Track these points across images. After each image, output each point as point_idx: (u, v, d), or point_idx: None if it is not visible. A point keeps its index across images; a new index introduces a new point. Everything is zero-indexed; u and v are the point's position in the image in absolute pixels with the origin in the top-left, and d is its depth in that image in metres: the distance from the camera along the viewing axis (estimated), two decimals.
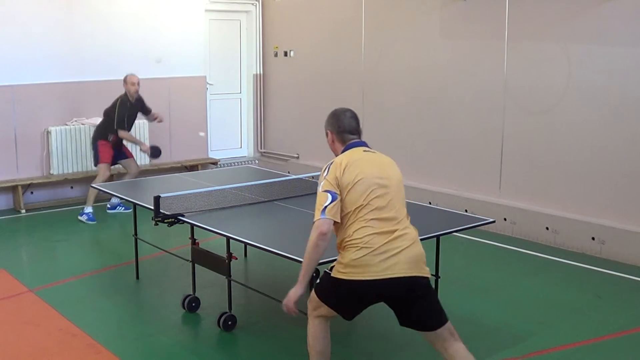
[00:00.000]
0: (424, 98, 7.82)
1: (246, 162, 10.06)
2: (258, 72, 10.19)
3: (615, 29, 6.12)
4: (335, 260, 3.36)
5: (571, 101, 6.48)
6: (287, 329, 4.65)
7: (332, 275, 3.31)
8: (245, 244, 4.54)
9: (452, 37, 7.51)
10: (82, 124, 8.40)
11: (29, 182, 8.07)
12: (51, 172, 8.26)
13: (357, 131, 3.57)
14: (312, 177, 5.94)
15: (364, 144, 3.52)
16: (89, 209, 7.50)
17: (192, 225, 4.59)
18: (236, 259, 4.60)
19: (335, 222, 3.23)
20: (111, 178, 8.25)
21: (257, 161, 10.22)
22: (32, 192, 8.21)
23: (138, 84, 7.60)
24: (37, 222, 7.71)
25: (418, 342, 4.51)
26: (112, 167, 7.78)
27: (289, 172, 8.24)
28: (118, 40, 8.57)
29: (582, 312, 5.01)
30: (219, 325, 4.61)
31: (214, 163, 9.62)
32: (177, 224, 4.63)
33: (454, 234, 4.97)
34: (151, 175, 7.66)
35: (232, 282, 4.58)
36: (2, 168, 7.95)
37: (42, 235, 7.17)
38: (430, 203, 7.21)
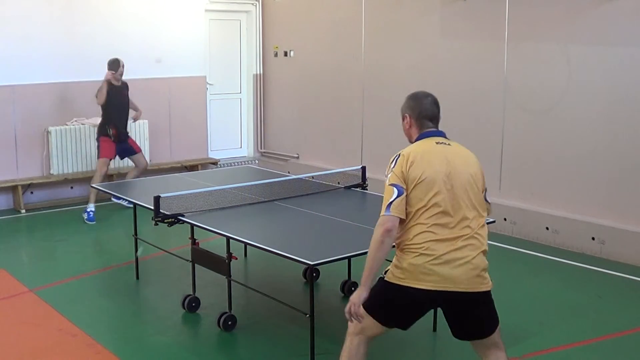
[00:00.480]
0: None
1: (246, 162, 10.05)
2: (258, 72, 10.19)
3: (615, 29, 6.12)
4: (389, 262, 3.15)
5: (571, 101, 6.48)
6: (287, 329, 4.65)
7: (386, 279, 3.09)
8: (245, 244, 4.53)
9: (452, 37, 7.51)
10: (82, 124, 8.40)
11: (29, 182, 8.07)
12: (51, 172, 8.26)
13: (436, 119, 3.31)
14: (312, 177, 5.94)
15: (439, 134, 3.26)
16: (91, 207, 7.51)
17: (192, 225, 4.59)
18: (236, 259, 4.60)
19: (399, 222, 3.02)
20: (111, 178, 8.27)
21: (257, 161, 10.22)
22: (32, 192, 8.21)
23: (122, 66, 7.53)
24: (37, 222, 7.71)
25: (418, 342, 4.51)
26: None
27: (289, 172, 8.24)
28: (118, 40, 8.57)
29: (582, 312, 5.01)
30: (219, 325, 4.60)
31: (214, 163, 9.62)
32: (177, 224, 4.63)
33: None
34: (151, 175, 7.65)
35: (232, 282, 4.58)
36: (2, 168, 7.95)
37: (42, 235, 7.17)
38: None
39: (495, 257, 6.36)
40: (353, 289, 5.24)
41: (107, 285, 5.62)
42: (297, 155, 9.70)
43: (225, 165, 9.68)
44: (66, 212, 8.06)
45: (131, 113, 7.88)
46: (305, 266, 4.97)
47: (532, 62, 6.76)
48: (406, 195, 3.03)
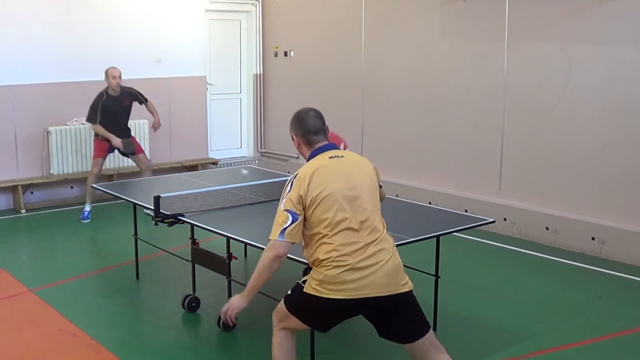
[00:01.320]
0: (424, 98, 7.82)
1: (246, 162, 10.05)
2: (258, 72, 10.19)
3: (615, 29, 6.11)
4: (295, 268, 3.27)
5: (571, 101, 6.48)
6: None
7: (304, 290, 3.11)
8: (245, 244, 4.53)
9: (452, 37, 7.51)
10: (82, 124, 8.39)
11: (29, 182, 8.07)
12: (51, 172, 8.26)
13: (322, 131, 3.32)
14: None
15: (330, 148, 3.28)
16: (87, 207, 7.51)
17: (192, 225, 4.59)
18: (236, 259, 4.61)
19: (290, 246, 3.09)
20: (112, 178, 8.28)
21: (257, 161, 10.22)
22: (32, 192, 8.21)
23: (119, 77, 7.43)
24: (37, 222, 7.71)
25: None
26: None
27: (289, 172, 8.23)
28: (118, 40, 8.57)
29: (582, 312, 5.01)
30: (219, 326, 4.60)
31: (214, 163, 9.62)
32: (177, 224, 4.63)
33: (454, 234, 4.97)
34: (151, 175, 7.65)
35: (232, 282, 4.58)
36: (2, 168, 7.95)
37: (42, 235, 7.17)
38: (430, 203, 7.21)
39: (495, 257, 6.39)
40: None
41: (107, 285, 5.62)
42: (297, 155, 9.69)
43: (225, 165, 9.68)
44: (66, 212, 8.06)
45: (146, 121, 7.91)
46: (305, 266, 4.96)
47: (532, 62, 6.76)
48: (305, 218, 3.08)
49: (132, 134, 7.93)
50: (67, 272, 5.86)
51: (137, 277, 5.67)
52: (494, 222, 4.77)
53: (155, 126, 7.88)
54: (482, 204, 7.10)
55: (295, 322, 3.22)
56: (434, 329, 4.59)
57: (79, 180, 8.39)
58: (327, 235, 3.05)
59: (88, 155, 8.41)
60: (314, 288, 3.08)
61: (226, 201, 4.99)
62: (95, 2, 8.45)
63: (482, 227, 5.07)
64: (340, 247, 3.02)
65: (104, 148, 7.56)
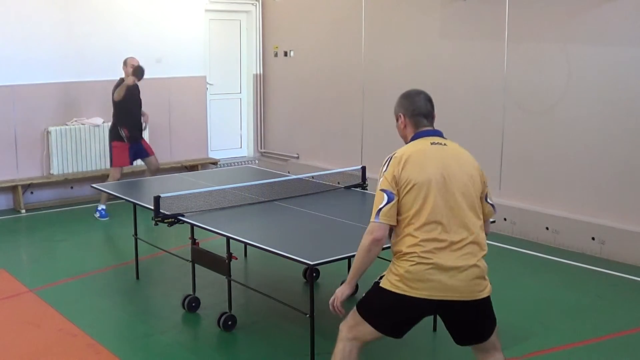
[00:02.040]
0: None
1: (246, 162, 10.05)
2: (258, 72, 10.19)
3: (615, 29, 6.12)
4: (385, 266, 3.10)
5: (571, 101, 6.48)
6: (287, 329, 4.65)
7: (381, 285, 2.98)
8: (245, 244, 4.53)
9: (452, 37, 7.51)
10: (82, 124, 8.40)
11: (29, 182, 8.07)
12: (51, 172, 8.26)
13: (431, 116, 3.15)
14: (312, 177, 5.94)
15: (435, 134, 3.12)
16: (102, 206, 7.53)
17: (192, 225, 4.59)
18: (236, 259, 4.60)
19: (389, 230, 2.95)
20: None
21: (257, 161, 10.22)
22: (32, 192, 8.21)
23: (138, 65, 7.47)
24: (37, 222, 7.71)
25: (418, 342, 4.51)
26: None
27: (289, 172, 8.24)
28: (118, 40, 8.57)
29: (582, 312, 5.01)
30: (219, 325, 4.60)
31: (214, 163, 9.62)
32: (177, 224, 4.63)
33: None
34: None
35: (232, 282, 4.58)
36: (2, 168, 7.95)
37: (42, 235, 7.17)
38: None
39: (495, 257, 6.37)
40: None
41: (107, 285, 5.61)
42: (297, 155, 9.70)
43: (225, 165, 9.68)
44: (66, 212, 8.06)
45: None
46: (305, 266, 4.97)
47: (532, 62, 6.76)
48: (398, 201, 2.93)
49: (142, 120, 7.86)
50: (67, 272, 5.86)
51: (137, 277, 5.67)
52: (494, 222, 4.75)
53: (145, 120, 7.85)
54: None
55: (366, 330, 3.04)
56: (434, 329, 4.60)
57: (79, 180, 8.40)
58: (413, 224, 2.91)
59: (88, 155, 8.42)
60: (393, 284, 2.94)
61: (226, 201, 4.99)
62: (95, 2, 8.45)
63: None
64: (424, 242, 2.88)
65: (125, 155, 7.47)
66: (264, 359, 4.29)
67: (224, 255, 4.50)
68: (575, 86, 6.44)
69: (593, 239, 6.29)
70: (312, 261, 3.66)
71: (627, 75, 6.07)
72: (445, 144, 3.10)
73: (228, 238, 4.30)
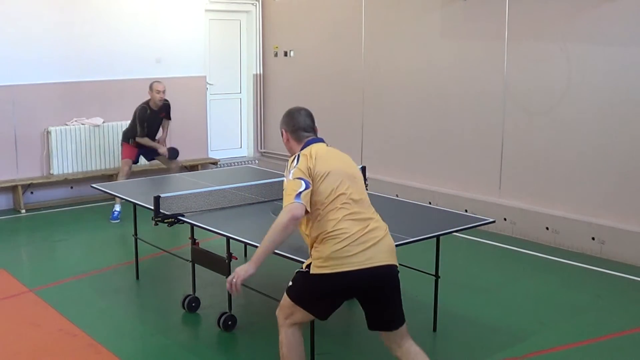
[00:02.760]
0: (424, 98, 7.82)
1: (246, 162, 10.05)
2: (258, 72, 10.19)
3: (615, 29, 6.12)
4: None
5: (571, 101, 6.48)
6: None
7: (311, 272, 3.24)
8: (245, 244, 4.53)
9: (452, 37, 7.51)
10: (82, 124, 8.41)
11: (29, 182, 8.07)
12: (51, 172, 8.26)
13: (312, 129, 3.53)
14: None
15: (320, 140, 3.49)
16: (117, 207, 7.56)
17: (192, 225, 4.59)
18: (236, 259, 4.60)
19: (305, 213, 3.17)
20: (111, 178, 8.27)
21: (257, 161, 10.22)
22: (32, 192, 8.22)
23: (163, 92, 7.55)
24: (37, 222, 7.71)
25: (418, 342, 4.51)
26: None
27: None
28: (118, 40, 8.57)
29: (582, 312, 5.01)
30: (219, 325, 4.61)
31: (214, 163, 9.62)
32: (177, 224, 4.63)
33: (454, 234, 4.97)
34: (151, 175, 7.65)
35: None
36: (2, 168, 7.95)
37: (42, 235, 7.17)
38: (430, 203, 7.21)
39: (496, 257, 6.39)
40: None
41: (107, 285, 5.61)
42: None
43: (225, 165, 9.68)
44: (66, 212, 8.06)
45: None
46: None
47: (532, 62, 6.76)
48: (312, 190, 3.21)
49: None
50: (67, 272, 5.87)
51: (137, 277, 5.67)
52: (494, 222, 4.77)
53: (160, 142, 7.85)
54: (482, 204, 7.10)
55: (301, 314, 3.32)
56: (434, 329, 4.60)
57: (79, 180, 8.40)
58: (332, 207, 3.21)
59: (88, 155, 8.43)
60: (319, 267, 3.20)
61: (226, 201, 4.99)
62: (95, 2, 8.45)
63: (482, 227, 5.07)
64: (344, 221, 3.19)
65: (133, 152, 7.65)
66: (264, 359, 4.29)
67: (224, 255, 4.50)
68: (576, 86, 6.44)
69: (593, 239, 6.29)
70: None
71: (627, 75, 6.07)
72: (334, 148, 3.49)
73: (228, 238, 4.30)
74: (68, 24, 8.25)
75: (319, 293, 3.26)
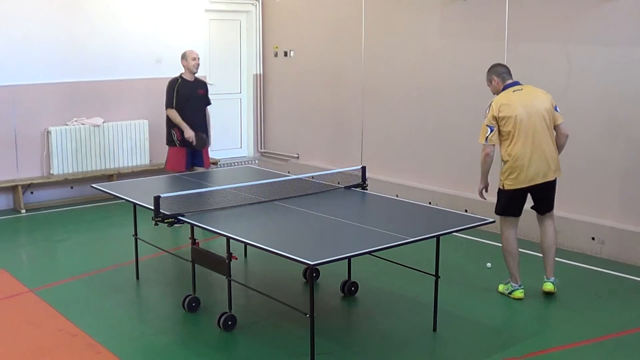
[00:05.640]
0: (424, 98, 7.82)
1: (246, 162, 10.05)
2: (258, 72, 10.19)
3: (615, 29, 6.12)
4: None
5: (571, 101, 6.48)
6: (287, 329, 4.65)
7: (504, 189, 5.09)
8: (245, 244, 4.54)
9: (452, 37, 7.51)
10: (82, 124, 8.40)
11: (29, 182, 8.07)
12: (51, 172, 8.26)
13: (509, 73, 5.19)
14: (312, 177, 5.94)
15: (515, 84, 5.11)
16: None
17: (192, 225, 4.59)
18: (236, 259, 4.60)
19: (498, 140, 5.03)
20: (111, 178, 8.27)
21: (257, 161, 10.22)
22: (32, 192, 8.22)
23: (198, 58, 7.24)
24: (37, 222, 7.71)
25: (418, 342, 4.52)
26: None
27: (289, 172, 8.24)
28: (118, 40, 8.57)
29: (582, 312, 5.01)
30: (219, 325, 4.61)
31: (214, 163, 9.61)
32: (177, 224, 4.63)
33: (454, 234, 4.97)
34: (151, 175, 7.65)
35: (232, 282, 4.58)
36: (2, 168, 7.95)
37: (42, 235, 7.17)
38: (430, 203, 7.20)
39: (496, 257, 6.38)
40: (353, 288, 5.26)
41: (107, 285, 5.61)
42: (297, 155, 9.70)
43: (225, 165, 9.68)
44: (66, 212, 8.06)
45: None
46: (305, 266, 4.97)
47: (532, 62, 6.76)
48: (499, 129, 5.00)
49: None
50: (67, 272, 5.87)
51: (137, 277, 5.67)
52: (494, 222, 4.77)
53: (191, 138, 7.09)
54: (482, 204, 7.08)
55: (510, 220, 5.21)
56: (434, 329, 4.60)
57: (79, 180, 8.40)
58: (510, 139, 4.99)
59: (88, 155, 8.42)
60: (509, 184, 5.10)
61: (226, 201, 4.99)
62: (95, 2, 8.45)
63: (482, 227, 5.07)
64: (517, 153, 4.98)
65: (180, 161, 7.09)
66: (264, 359, 4.29)
67: (224, 255, 4.50)
68: (575, 86, 6.43)
69: (593, 239, 6.29)
70: (312, 261, 3.66)
71: (627, 75, 6.06)
72: (522, 89, 5.09)
73: (228, 238, 4.30)
74: (68, 24, 8.25)
75: (512, 201, 5.19)
